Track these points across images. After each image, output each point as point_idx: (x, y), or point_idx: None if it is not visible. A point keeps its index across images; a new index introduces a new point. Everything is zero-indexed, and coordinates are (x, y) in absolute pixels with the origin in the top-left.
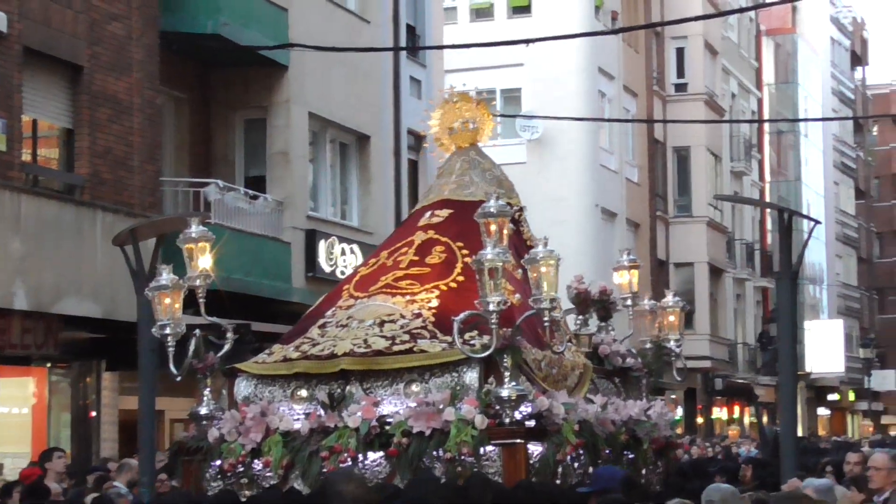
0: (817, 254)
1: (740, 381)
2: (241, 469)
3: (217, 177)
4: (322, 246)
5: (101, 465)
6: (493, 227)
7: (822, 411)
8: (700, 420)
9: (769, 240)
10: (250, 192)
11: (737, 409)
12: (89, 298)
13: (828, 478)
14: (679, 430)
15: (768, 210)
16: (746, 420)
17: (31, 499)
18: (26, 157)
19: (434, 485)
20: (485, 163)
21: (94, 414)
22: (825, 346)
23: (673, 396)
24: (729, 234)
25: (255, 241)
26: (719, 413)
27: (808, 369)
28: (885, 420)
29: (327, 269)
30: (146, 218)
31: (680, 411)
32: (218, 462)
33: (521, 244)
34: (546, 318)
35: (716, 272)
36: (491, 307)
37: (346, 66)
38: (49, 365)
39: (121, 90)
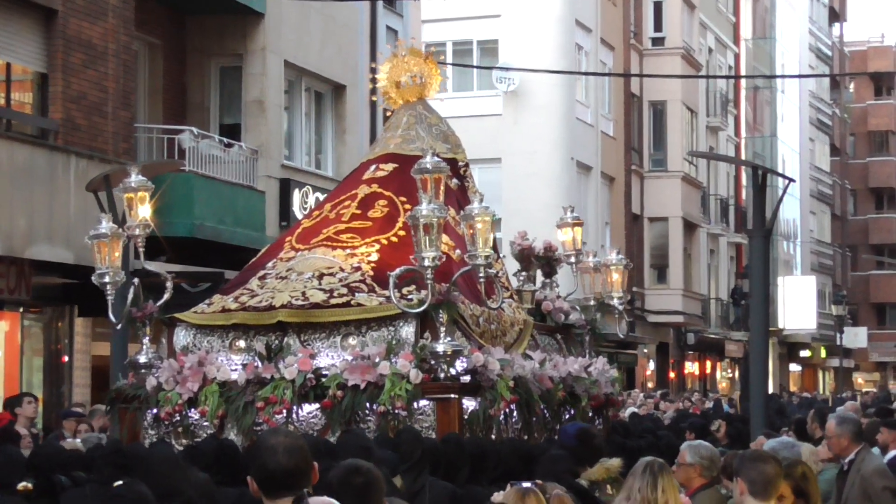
0: (791, 210)
1: (713, 336)
2: (178, 418)
3: (192, 124)
4: (296, 195)
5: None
6: (429, 183)
7: (794, 367)
8: (672, 375)
9: (744, 195)
10: (225, 139)
11: (708, 363)
12: (62, 244)
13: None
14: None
15: (743, 166)
16: (718, 375)
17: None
18: None
19: (365, 439)
20: (431, 117)
21: (66, 359)
22: (798, 303)
23: (645, 350)
24: (703, 190)
25: (230, 190)
26: (691, 368)
27: (780, 325)
28: (855, 376)
29: (301, 218)
30: (120, 164)
31: (652, 365)
32: (154, 410)
33: (465, 200)
34: (481, 274)
35: (690, 227)
36: (426, 262)
37: (322, 14)
38: (21, 310)
39: (95, 35)
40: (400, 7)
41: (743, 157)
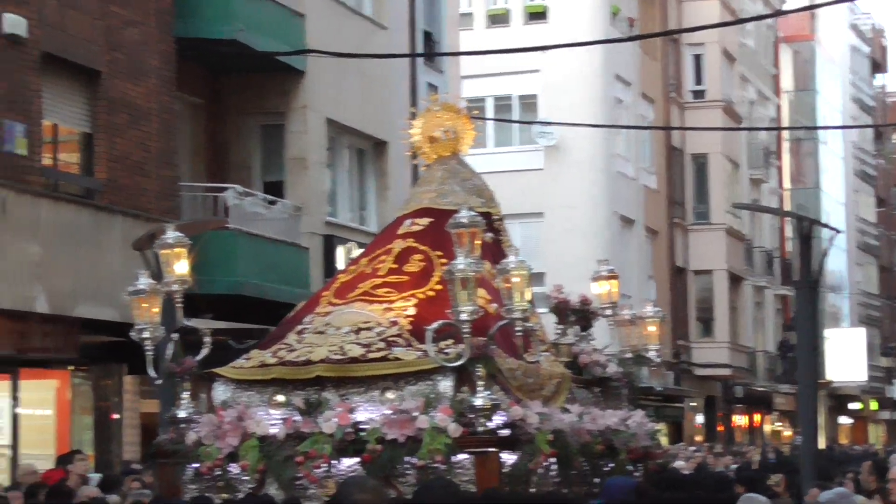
0: (837, 262)
1: (760, 389)
2: (218, 473)
3: (234, 182)
4: (340, 251)
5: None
6: (465, 238)
7: (844, 420)
8: (721, 428)
9: (788, 247)
10: (268, 197)
11: (757, 416)
12: (108, 302)
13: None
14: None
15: (787, 218)
16: (767, 428)
17: (55, 500)
18: (46, 161)
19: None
20: (465, 172)
21: (115, 416)
22: (847, 355)
23: (692, 404)
24: (748, 242)
25: (273, 247)
26: (739, 421)
27: (828, 378)
28: None
29: (338, 273)
30: (164, 223)
31: (700, 418)
32: (195, 465)
33: (500, 253)
34: (518, 328)
35: (735, 280)
36: (463, 317)
37: (362, 71)
38: (70, 368)
39: (138, 95)
40: (440, 63)
41: (787, 209)
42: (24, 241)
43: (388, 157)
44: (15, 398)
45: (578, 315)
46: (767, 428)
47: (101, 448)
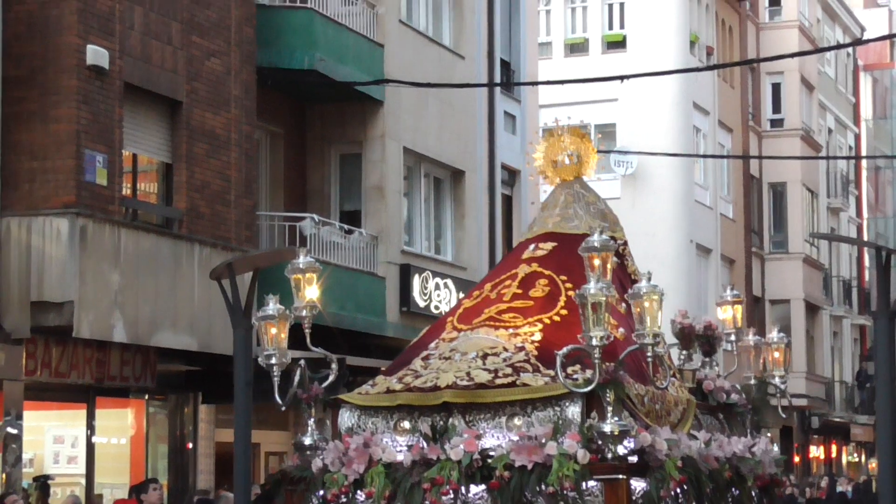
0: None
1: (837, 419)
2: (344, 500)
3: (312, 211)
4: (416, 281)
5: (204, 495)
6: (596, 262)
7: None
8: (797, 459)
9: (867, 276)
10: (345, 226)
11: (833, 447)
12: (185, 331)
13: None
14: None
15: (866, 247)
16: (844, 460)
17: None
18: (126, 191)
19: None
20: (589, 196)
21: (190, 445)
22: None
23: (769, 435)
24: (825, 271)
25: (350, 276)
26: (816, 452)
27: None
28: None
29: (421, 304)
30: (243, 252)
31: (776, 449)
32: (321, 492)
33: (625, 278)
34: (649, 354)
35: (812, 309)
36: (594, 342)
37: (440, 101)
38: (147, 397)
39: (218, 125)
40: (517, 92)
41: (865, 238)
42: (103, 269)
43: (465, 186)
44: (91, 426)
45: (702, 340)
46: (844, 460)
47: (175, 477)
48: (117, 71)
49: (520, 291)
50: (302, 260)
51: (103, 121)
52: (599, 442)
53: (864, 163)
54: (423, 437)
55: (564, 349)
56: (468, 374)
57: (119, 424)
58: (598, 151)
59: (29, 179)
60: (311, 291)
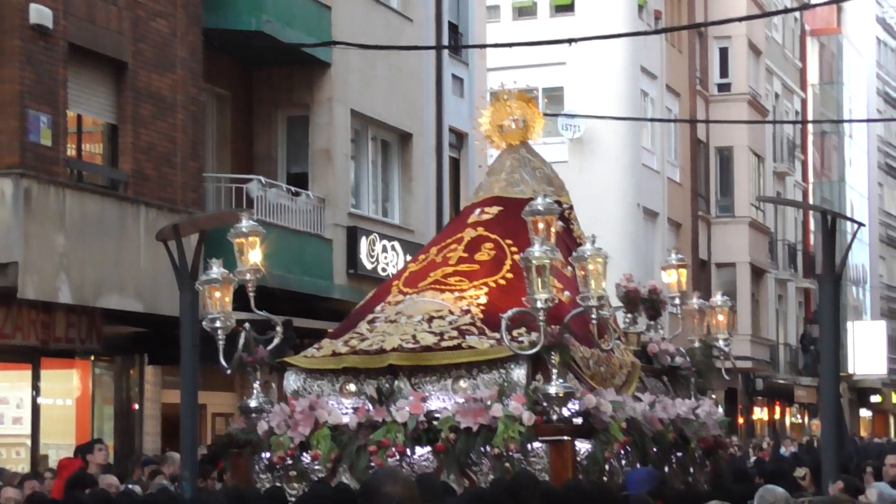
0: (860, 255)
1: (781, 382)
2: (290, 462)
3: (259, 174)
4: (363, 243)
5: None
6: (540, 225)
7: (864, 413)
8: (741, 420)
9: (812, 240)
10: (292, 188)
11: (777, 409)
12: (132, 294)
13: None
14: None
15: (811, 211)
16: (787, 421)
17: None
18: (71, 152)
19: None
20: (535, 161)
21: (136, 407)
22: (868, 348)
23: (713, 397)
24: (771, 235)
25: (297, 238)
26: (760, 414)
27: (850, 371)
28: None
29: (368, 267)
30: (189, 214)
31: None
32: (267, 455)
33: (571, 242)
34: (594, 316)
35: (758, 273)
36: (538, 305)
37: (388, 64)
38: (92, 358)
39: (164, 87)
40: (465, 56)
41: (811, 203)
42: (48, 231)
43: (413, 149)
44: (36, 388)
45: (647, 304)
46: (788, 421)
47: (121, 438)
48: (61, 31)
49: (466, 255)
50: (245, 223)
51: (47, 81)
52: (545, 404)
53: (810, 128)
54: (368, 400)
55: (510, 312)
56: (414, 336)
57: (64, 386)
58: (546, 115)
59: None
60: (255, 255)
